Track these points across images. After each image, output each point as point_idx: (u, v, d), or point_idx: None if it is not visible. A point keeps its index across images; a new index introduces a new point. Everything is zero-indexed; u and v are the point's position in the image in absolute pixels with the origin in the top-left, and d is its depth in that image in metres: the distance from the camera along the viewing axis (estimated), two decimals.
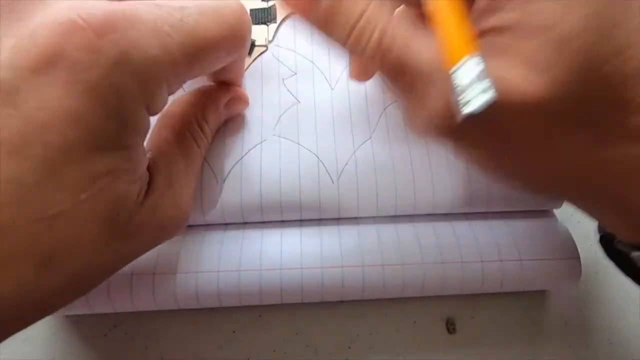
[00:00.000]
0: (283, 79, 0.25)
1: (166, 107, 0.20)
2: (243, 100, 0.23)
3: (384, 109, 0.24)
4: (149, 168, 0.17)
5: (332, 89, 0.25)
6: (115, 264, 0.16)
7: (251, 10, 0.25)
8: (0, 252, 0.12)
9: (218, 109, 0.22)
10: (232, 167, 0.22)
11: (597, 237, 0.20)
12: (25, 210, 0.12)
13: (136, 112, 0.14)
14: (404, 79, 0.15)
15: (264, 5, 0.26)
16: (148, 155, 0.19)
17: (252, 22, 0.25)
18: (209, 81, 0.22)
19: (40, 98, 0.12)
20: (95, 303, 0.20)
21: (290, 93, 0.24)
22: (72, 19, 0.12)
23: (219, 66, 0.19)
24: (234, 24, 0.17)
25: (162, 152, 0.19)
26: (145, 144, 0.19)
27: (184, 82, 0.17)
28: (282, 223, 0.23)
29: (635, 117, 0.13)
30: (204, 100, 0.21)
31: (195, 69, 0.17)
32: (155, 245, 0.18)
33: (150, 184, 0.17)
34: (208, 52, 0.16)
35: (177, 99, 0.21)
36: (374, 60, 0.15)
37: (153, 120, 0.20)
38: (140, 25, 0.13)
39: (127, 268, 0.20)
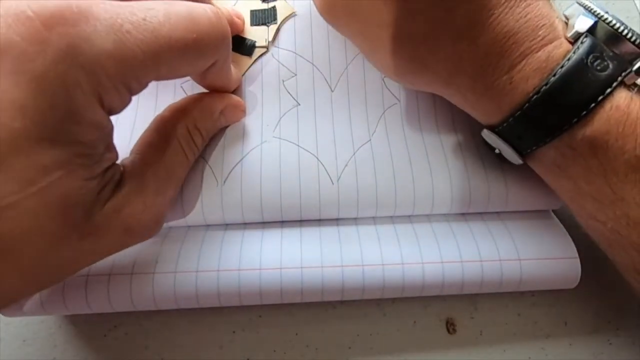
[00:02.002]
0: (283, 81, 0.25)
1: (160, 112, 0.21)
2: (239, 109, 0.23)
3: (384, 111, 0.25)
4: (125, 169, 0.17)
5: (332, 91, 0.25)
6: (79, 260, 0.16)
7: (251, 11, 0.25)
8: None
9: (212, 117, 0.22)
10: (233, 169, 0.22)
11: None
12: None
13: (87, 105, 0.14)
14: None
15: (265, 6, 0.26)
16: (131, 157, 0.19)
17: (253, 23, 0.25)
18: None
19: None
20: (95, 303, 0.20)
21: (290, 95, 0.25)
22: (23, 10, 0.13)
23: (192, 70, 0.19)
24: (205, 30, 0.17)
25: (144, 156, 0.19)
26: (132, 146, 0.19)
27: (147, 80, 0.17)
28: (282, 223, 0.23)
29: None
30: (196, 107, 0.21)
31: (161, 69, 0.17)
32: (122, 247, 0.18)
33: (120, 185, 0.17)
34: (173, 53, 0.16)
35: (170, 104, 0.21)
36: None
37: (143, 126, 0.20)
38: (95, 21, 0.14)
39: (126, 267, 0.20)
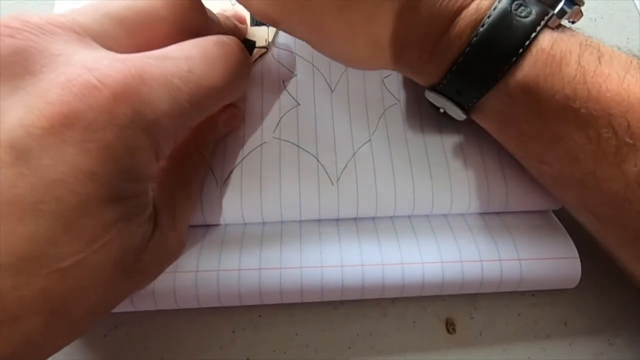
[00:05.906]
0: (283, 81, 0.25)
1: None
2: (239, 117, 0.23)
3: (384, 111, 0.25)
4: (153, 203, 0.18)
5: (332, 91, 0.25)
6: (120, 298, 0.17)
7: None
8: (12, 307, 0.12)
9: (216, 130, 0.22)
10: (233, 170, 0.22)
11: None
12: (38, 265, 0.12)
13: (147, 164, 0.15)
14: None
15: None
16: (150, 187, 0.19)
17: (252, 23, 0.25)
18: None
19: (53, 157, 0.12)
20: None
21: (290, 95, 0.25)
22: (88, 80, 0.13)
23: (223, 104, 0.20)
24: (236, 69, 0.18)
25: (164, 185, 0.19)
26: None
27: (191, 127, 0.17)
28: (282, 223, 0.23)
29: None
30: (203, 125, 0.21)
31: (204, 114, 0.17)
32: (156, 277, 0.18)
33: (155, 221, 0.17)
34: (213, 99, 0.17)
35: None
36: None
37: None
38: (152, 82, 0.14)
39: None
